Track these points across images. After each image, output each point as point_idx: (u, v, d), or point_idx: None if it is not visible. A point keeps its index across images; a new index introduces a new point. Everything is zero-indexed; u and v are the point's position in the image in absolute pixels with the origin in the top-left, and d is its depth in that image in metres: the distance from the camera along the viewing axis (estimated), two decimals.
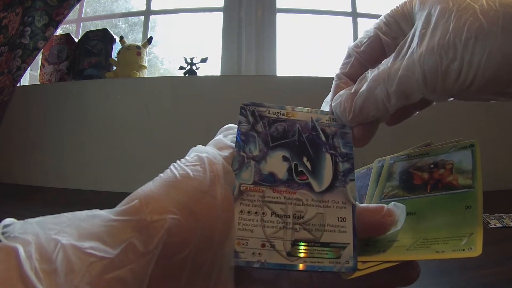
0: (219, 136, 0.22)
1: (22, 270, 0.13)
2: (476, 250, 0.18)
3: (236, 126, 0.21)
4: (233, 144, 0.20)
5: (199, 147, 0.20)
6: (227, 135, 0.22)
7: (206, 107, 1.00)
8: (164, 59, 1.54)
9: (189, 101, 1.02)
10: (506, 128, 1.06)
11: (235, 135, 0.21)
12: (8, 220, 0.16)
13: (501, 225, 0.68)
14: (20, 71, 1.05)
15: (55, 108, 1.07)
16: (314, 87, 1.04)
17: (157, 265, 0.15)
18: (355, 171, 0.21)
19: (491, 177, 0.94)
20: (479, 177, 0.21)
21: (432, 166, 0.24)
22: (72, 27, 1.45)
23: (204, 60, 1.14)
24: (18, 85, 1.08)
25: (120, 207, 0.17)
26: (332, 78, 0.24)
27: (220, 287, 0.17)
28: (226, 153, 0.20)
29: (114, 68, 1.15)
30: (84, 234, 0.15)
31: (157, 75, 1.43)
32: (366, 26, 0.24)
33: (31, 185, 1.04)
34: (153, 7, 1.39)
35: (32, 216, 0.17)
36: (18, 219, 0.17)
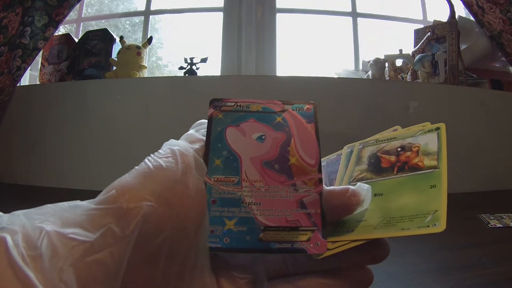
0: (191, 131, 0.24)
1: (10, 256, 0.14)
2: (440, 226, 0.18)
3: (207, 121, 0.23)
4: (204, 138, 0.22)
5: (172, 141, 0.21)
6: (199, 129, 0.24)
7: (206, 107, 0.99)
8: (163, 58, 1.53)
9: (189, 101, 1.02)
10: (506, 129, 1.06)
11: (206, 130, 0.22)
12: None
13: (501, 225, 0.68)
14: (20, 71, 1.05)
15: (55, 108, 1.07)
16: (314, 87, 1.04)
17: (135, 250, 0.17)
18: (325, 158, 0.21)
19: (491, 177, 0.94)
20: (444, 158, 0.22)
21: (399, 149, 0.24)
22: (72, 27, 1.45)
23: (204, 60, 1.14)
24: (18, 85, 1.08)
25: (99, 197, 0.18)
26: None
27: (197, 272, 0.18)
28: (197, 145, 0.21)
29: (114, 68, 1.15)
30: (67, 222, 0.17)
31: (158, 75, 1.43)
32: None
33: (31, 185, 1.04)
34: (153, 7, 1.39)
35: None
36: None
